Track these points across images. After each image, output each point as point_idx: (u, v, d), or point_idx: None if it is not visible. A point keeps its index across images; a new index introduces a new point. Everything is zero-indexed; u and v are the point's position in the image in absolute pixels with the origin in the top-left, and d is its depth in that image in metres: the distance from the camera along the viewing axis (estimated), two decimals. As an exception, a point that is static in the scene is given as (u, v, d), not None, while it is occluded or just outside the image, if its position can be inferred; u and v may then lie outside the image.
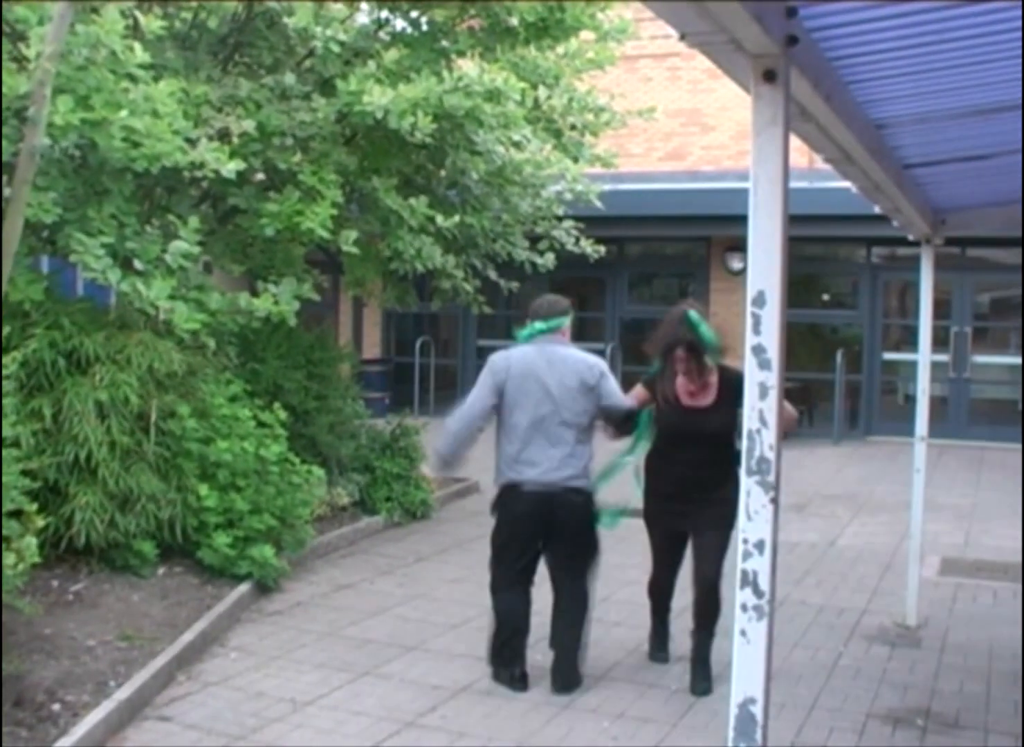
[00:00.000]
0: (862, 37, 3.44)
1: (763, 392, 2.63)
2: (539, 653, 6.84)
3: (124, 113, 7.19)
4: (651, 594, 7.03)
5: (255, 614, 7.71)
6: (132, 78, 7.39)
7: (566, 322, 6.61)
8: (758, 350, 2.62)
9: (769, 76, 2.62)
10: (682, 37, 2.54)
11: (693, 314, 6.19)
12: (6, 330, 6.34)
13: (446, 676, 6.58)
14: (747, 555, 2.67)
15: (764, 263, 2.60)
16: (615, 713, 6.06)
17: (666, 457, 6.46)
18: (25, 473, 6.00)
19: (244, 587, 7.86)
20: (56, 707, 5.61)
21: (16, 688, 5.65)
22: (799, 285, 18.82)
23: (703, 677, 6.42)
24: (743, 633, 2.71)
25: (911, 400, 7.74)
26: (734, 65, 2.74)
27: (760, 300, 2.61)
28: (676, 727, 5.89)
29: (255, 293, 8.36)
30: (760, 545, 2.66)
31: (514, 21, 9.81)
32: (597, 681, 6.55)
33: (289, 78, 9.08)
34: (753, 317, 2.61)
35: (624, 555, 9.59)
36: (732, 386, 5.89)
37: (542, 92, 10.75)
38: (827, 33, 3.24)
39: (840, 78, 3.73)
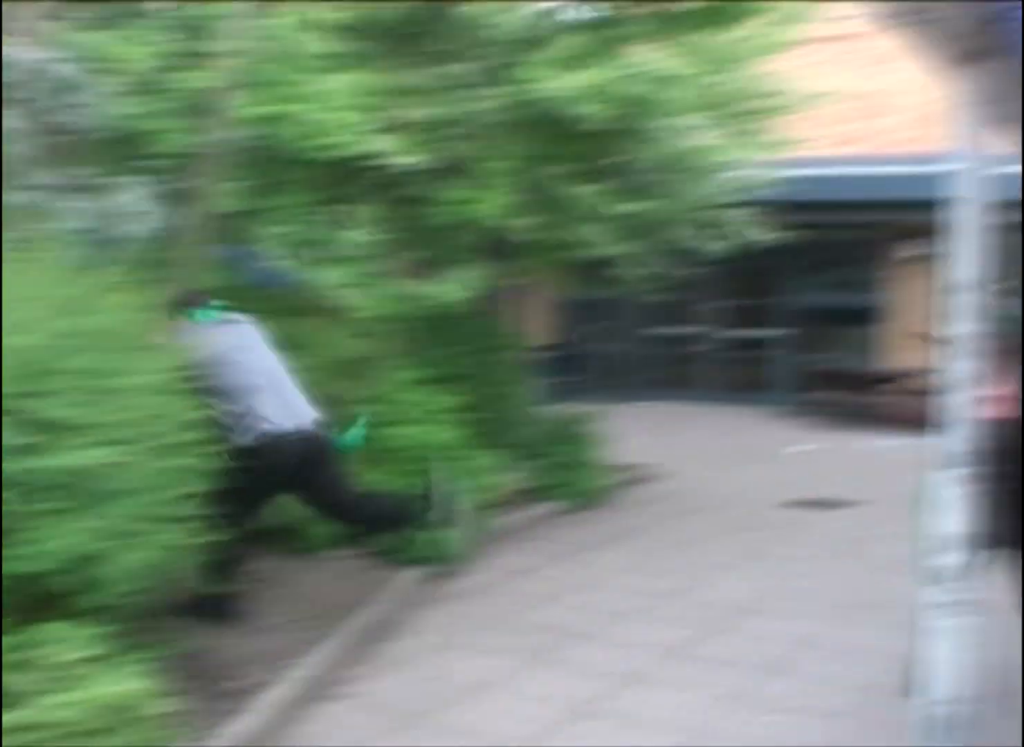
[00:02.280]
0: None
1: (960, 384, 2.55)
2: (710, 643, 6.82)
3: (301, 105, 7.33)
4: None
5: (431, 598, 7.78)
6: (308, 71, 7.52)
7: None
8: (957, 341, 2.54)
9: (969, 57, 2.55)
10: (881, 18, 2.48)
11: None
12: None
13: (619, 664, 6.54)
14: (939, 550, 2.59)
15: (964, 251, 2.51)
16: (793, 707, 5.93)
17: None
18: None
19: (423, 570, 7.95)
20: (240, 684, 5.72)
21: (203, 664, 5.81)
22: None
23: None
24: (933, 631, 2.64)
25: None
26: (932, 46, 2.65)
27: (960, 290, 2.52)
28: (861, 723, 5.76)
29: (431, 280, 8.46)
30: (955, 540, 2.58)
31: (686, 6, 9.71)
32: (771, 675, 6.44)
33: (460, 67, 9.14)
34: (953, 308, 2.53)
35: (794, 546, 9.48)
36: None
37: (716, 77, 10.61)
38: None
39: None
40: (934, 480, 2.60)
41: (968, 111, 2.54)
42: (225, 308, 6.81)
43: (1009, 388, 5.82)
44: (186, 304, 6.71)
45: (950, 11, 2.37)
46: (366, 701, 5.91)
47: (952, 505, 2.56)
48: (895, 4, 2.33)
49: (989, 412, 5.84)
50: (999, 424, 5.88)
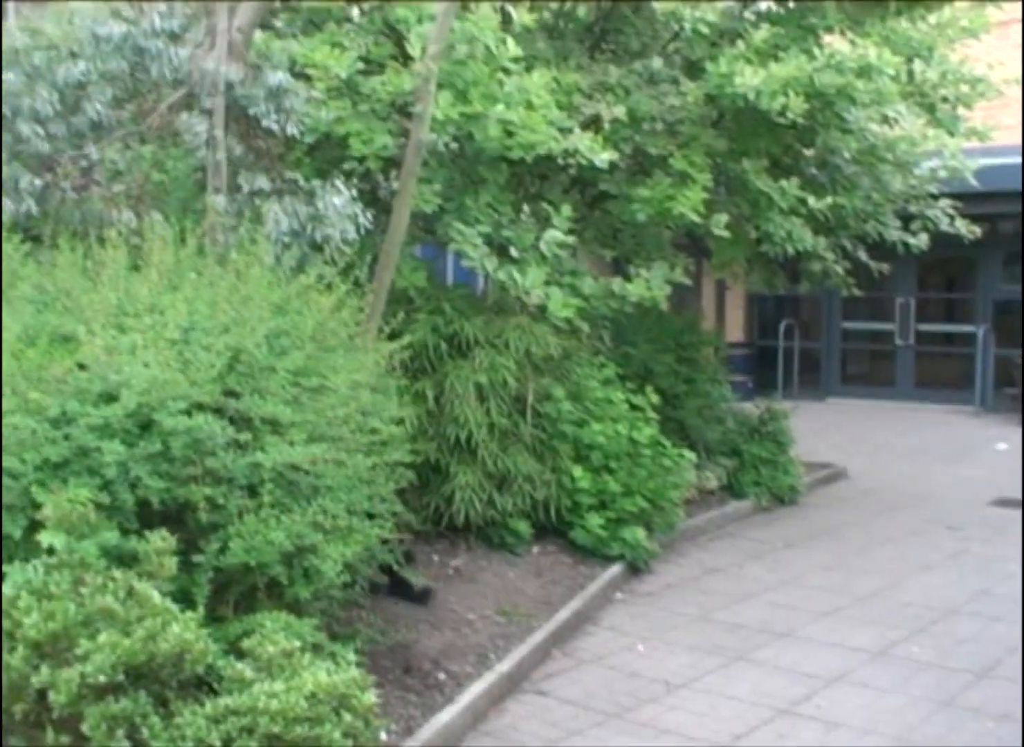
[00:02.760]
0: None
1: None
2: (915, 646, 6.70)
3: (500, 106, 7.41)
4: None
5: (626, 595, 7.81)
6: (506, 71, 7.59)
7: None
8: None
9: None
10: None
11: None
12: (393, 316, 6.65)
13: (819, 664, 6.47)
14: None
15: None
16: (999, 713, 5.80)
17: None
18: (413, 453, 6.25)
19: (616, 568, 7.98)
20: (441, 676, 5.85)
21: (405, 656, 5.94)
22: None
23: None
24: None
25: None
26: None
27: None
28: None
29: (624, 277, 8.46)
30: None
31: (887, -8, 9.52)
32: (978, 678, 6.30)
33: (656, 62, 9.13)
34: None
35: (1002, 547, 9.22)
36: None
37: (916, 65, 10.36)
38: None
39: None
40: None
41: None
42: None
43: None
44: None
45: None
46: (565, 696, 5.96)
47: None
48: None
49: None
50: None
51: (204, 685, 3.99)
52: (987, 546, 9.31)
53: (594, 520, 8.00)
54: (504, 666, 6.04)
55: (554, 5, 9.71)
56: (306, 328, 5.30)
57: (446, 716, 5.31)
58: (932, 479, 12.31)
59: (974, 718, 5.75)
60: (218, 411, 4.64)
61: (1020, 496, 11.11)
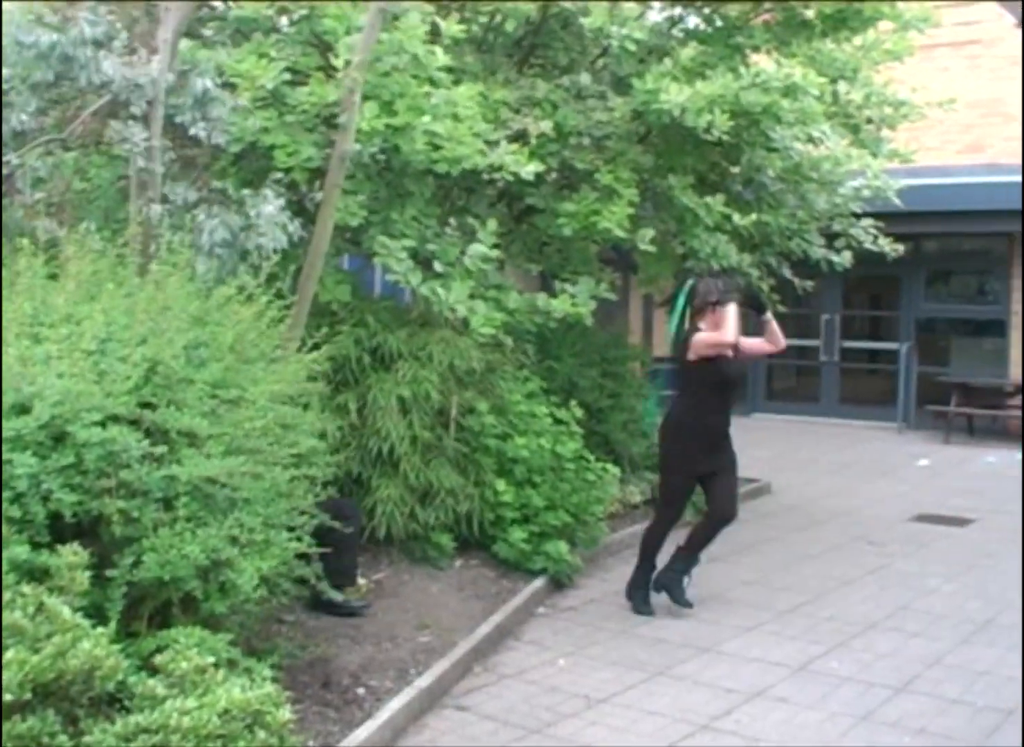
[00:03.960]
0: None
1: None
2: (835, 661, 6.75)
3: (426, 117, 7.39)
4: (655, 541, 7.89)
5: (549, 609, 7.80)
6: (433, 83, 7.58)
7: None
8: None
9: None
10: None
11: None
12: (316, 328, 6.62)
13: (740, 679, 6.49)
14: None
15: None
16: (915, 728, 5.84)
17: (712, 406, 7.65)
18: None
19: (538, 582, 7.97)
20: (361, 691, 5.81)
21: (324, 671, 5.90)
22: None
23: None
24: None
25: None
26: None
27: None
28: None
29: (550, 292, 8.47)
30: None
31: (811, 13, 9.63)
32: (896, 693, 6.35)
33: (584, 78, 9.16)
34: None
35: (922, 563, 9.32)
36: None
37: (841, 86, 10.50)
38: None
39: None
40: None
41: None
42: None
43: None
44: None
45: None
46: (485, 711, 5.94)
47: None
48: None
49: None
50: None
51: (116, 702, 3.92)
52: (908, 562, 9.40)
53: (517, 534, 7.98)
54: (424, 681, 6.00)
55: (483, 19, 9.71)
56: (226, 339, 5.24)
57: (364, 732, 5.27)
58: (855, 495, 12.43)
59: (891, 732, 5.80)
60: (134, 423, 4.58)
61: (940, 512, 11.26)
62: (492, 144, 7.80)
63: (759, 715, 5.98)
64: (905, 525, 10.91)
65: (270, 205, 6.49)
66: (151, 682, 3.92)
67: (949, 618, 7.72)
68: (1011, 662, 6.75)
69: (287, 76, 7.57)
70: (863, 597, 8.28)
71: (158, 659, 4.08)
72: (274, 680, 4.38)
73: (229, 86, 7.15)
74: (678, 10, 10.20)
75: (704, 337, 7.52)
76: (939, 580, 8.70)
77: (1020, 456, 14.65)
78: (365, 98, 7.12)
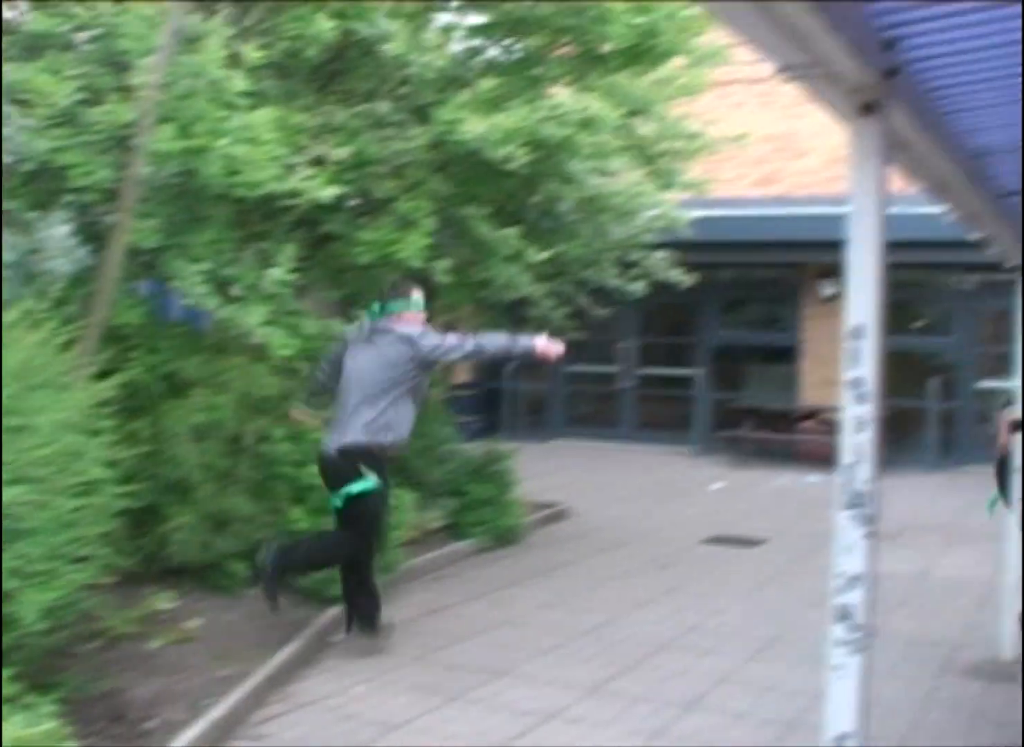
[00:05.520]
0: (961, 67, 3.42)
1: (860, 425, 2.62)
2: (628, 681, 6.87)
3: (224, 141, 7.33)
4: None
5: (346, 636, 7.75)
6: (232, 106, 7.52)
7: (401, 307, 7.39)
8: (856, 383, 2.62)
9: (867, 109, 2.63)
10: (779, 70, 2.55)
11: None
12: (107, 354, 6.48)
13: (536, 701, 6.57)
14: (842, 589, 2.66)
15: (862, 297, 2.60)
16: (705, 743, 5.99)
17: None
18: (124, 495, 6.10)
19: (336, 609, 7.90)
20: (152, 724, 5.68)
21: (115, 704, 5.75)
22: (894, 311, 18.58)
23: None
24: (837, 667, 2.70)
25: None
26: (832, 98, 2.75)
27: (858, 334, 2.61)
28: (767, 759, 5.85)
29: (349, 318, 8.46)
30: (856, 579, 2.65)
31: (607, 47, 9.85)
32: (687, 710, 6.51)
33: (384, 106, 9.19)
34: (851, 350, 2.61)
35: (713, 583, 9.57)
36: None
37: (635, 119, 10.76)
38: (926, 64, 3.23)
39: (938, 108, 3.71)
40: (836, 519, 2.67)
41: (866, 159, 2.62)
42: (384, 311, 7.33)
43: None
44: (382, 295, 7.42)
45: (848, 65, 2.44)
46: (280, 741, 5.87)
47: (854, 544, 2.63)
48: (793, 56, 2.40)
49: None
50: None
51: None
52: (700, 582, 9.64)
53: (314, 562, 7.93)
54: (218, 712, 5.89)
55: (284, 44, 9.65)
56: (9, 366, 5.11)
57: (156, 766, 5.17)
58: (650, 518, 12.70)
59: (683, 751, 5.95)
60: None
61: (732, 534, 11.58)
62: (290, 169, 7.77)
63: (553, 736, 6.05)
64: (698, 547, 11.20)
65: (58, 228, 6.35)
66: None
67: (738, 636, 7.95)
68: (795, 677, 6.98)
69: (82, 95, 7.41)
70: (657, 618, 8.46)
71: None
72: (59, 715, 4.27)
73: (20, 103, 6.97)
74: (478, 41, 10.30)
75: None
76: (729, 600, 8.94)
77: (809, 478, 15.17)
78: (163, 120, 7.02)
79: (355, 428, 7.13)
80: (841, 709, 2.71)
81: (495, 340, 7.28)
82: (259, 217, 9.14)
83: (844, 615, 2.65)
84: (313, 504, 8.09)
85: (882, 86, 2.61)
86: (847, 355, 2.63)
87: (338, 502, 7.15)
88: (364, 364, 7.22)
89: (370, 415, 7.11)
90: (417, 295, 7.46)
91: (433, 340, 7.23)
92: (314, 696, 6.58)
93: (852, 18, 2.34)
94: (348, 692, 6.67)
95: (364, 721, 6.18)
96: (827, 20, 2.17)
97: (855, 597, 2.64)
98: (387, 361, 7.16)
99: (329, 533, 7.52)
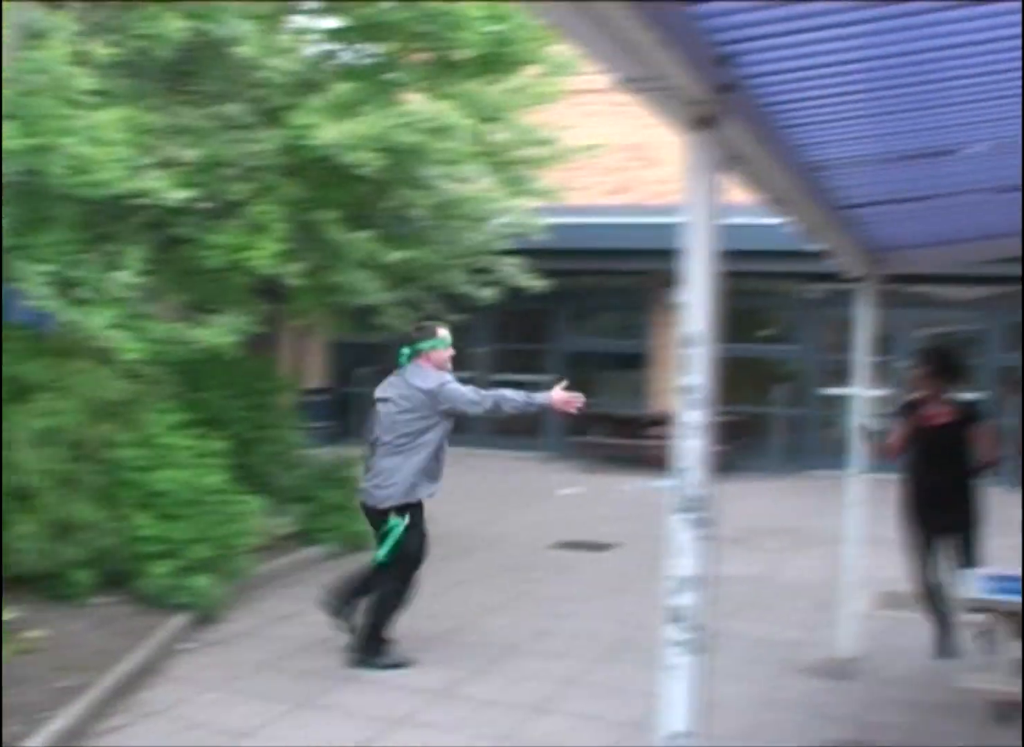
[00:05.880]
0: (797, 83, 3.52)
1: (693, 432, 2.68)
2: (478, 684, 6.90)
3: (70, 139, 7.19)
4: None
5: (194, 644, 7.67)
6: (78, 105, 7.38)
7: (425, 347, 7.50)
8: (690, 390, 2.68)
9: (702, 123, 2.69)
10: (618, 82, 2.60)
11: None
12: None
13: (385, 707, 6.57)
14: (676, 591, 2.72)
15: (695, 306, 2.66)
16: (552, 746, 6.07)
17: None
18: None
19: (183, 617, 7.82)
20: (-6, 738, 5.56)
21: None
22: (740, 319, 18.99)
23: None
24: (672, 668, 2.76)
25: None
26: (668, 111, 2.81)
27: (691, 341, 2.67)
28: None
29: (199, 322, 8.36)
30: (691, 581, 2.71)
31: (461, 54, 9.89)
32: (535, 713, 6.55)
33: (236, 108, 9.09)
34: (684, 358, 2.68)
35: (562, 587, 9.66)
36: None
37: (488, 126, 10.81)
38: (762, 80, 3.32)
39: (776, 123, 3.81)
40: (671, 523, 2.73)
41: (701, 171, 2.69)
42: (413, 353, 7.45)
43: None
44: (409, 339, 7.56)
45: (684, 79, 2.50)
46: (124, 751, 5.78)
47: (687, 547, 2.69)
48: (632, 69, 2.45)
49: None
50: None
51: None
52: (550, 587, 9.72)
53: (161, 568, 7.81)
54: (59, 724, 5.78)
55: (134, 42, 9.49)
56: None
57: (-5, 779, 5.06)
58: (502, 523, 12.75)
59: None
60: None
61: (582, 538, 11.69)
62: (139, 170, 7.65)
63: (401, 741, 6.06)
64: (548, 552, 11.28)
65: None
66: None
67: (586, 639, 8.03)
68: (642, 679, 7.03)
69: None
70: (507, 622, 8.51)
71: None
72: None
73: None
74: (333, 45, 10.27)
75: None
76: (578, 604, 9.03)
77: (657, 483, 15.38)
78: (6, 117, 6.86)
79: (384, 482, 7.25)
80: (675, 709, 2.76)
81: (512, 400, 7.32)
82: (106, 218, 8.98)
83: (678, 617, 2.71)
84: (160, 510, 7.98)
85: (717, 101, 2.68)
86: (681, 362, 2.69)
87: (379, 556, 7.31)
88: (389, 414, 7.32)
89: (394, 464, 7.25)
90: (443, 332, 7.56)
91: (451, 396, 7.29)
92: (160, 706, 6.48)
93: (687, 34, 2.40)
94: (195, 701, 6.59)
95: (212, 730, 6.12)
96: (662, 35, 2.22)
97: (688, 599, 2.70)
98: (409, 411, 7.28)
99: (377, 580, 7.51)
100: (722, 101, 2.70)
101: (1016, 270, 14.69)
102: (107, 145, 7.36)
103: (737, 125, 3.00)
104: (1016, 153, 4.77)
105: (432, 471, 7.38)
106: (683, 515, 2.69)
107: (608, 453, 18.09)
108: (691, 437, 2.69)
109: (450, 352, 7.56)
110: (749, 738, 6.27)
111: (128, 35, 9.26)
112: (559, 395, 7.24)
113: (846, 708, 6.84)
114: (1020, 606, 5.97)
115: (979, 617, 6.55)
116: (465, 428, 19.80)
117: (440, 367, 7.42)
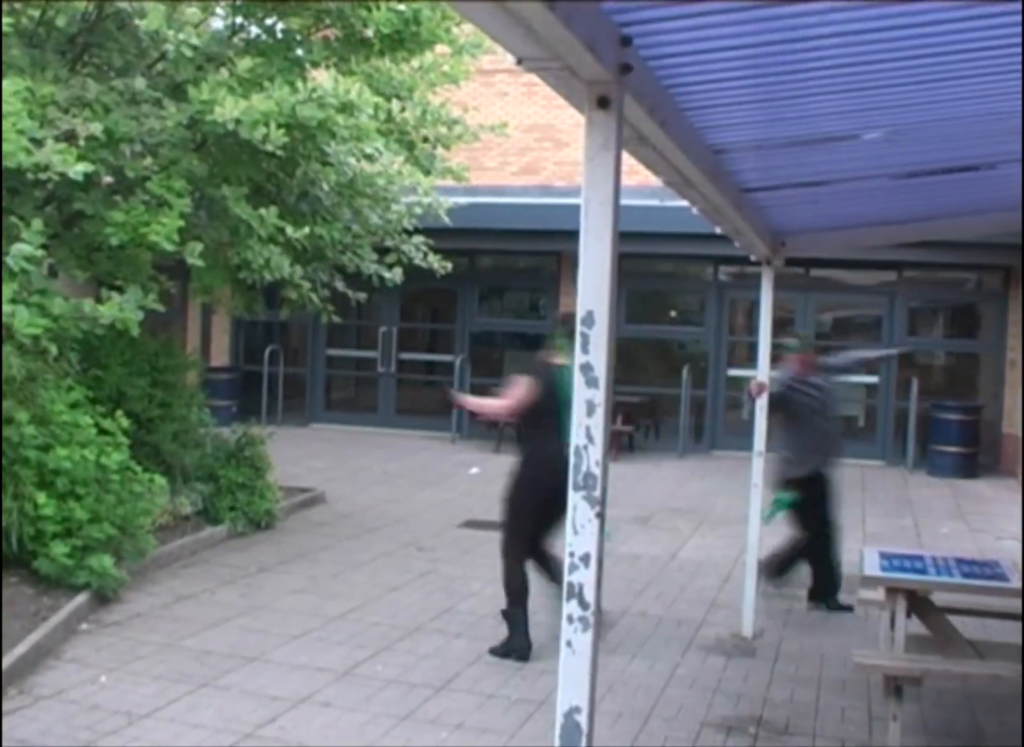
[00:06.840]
0: (699, 66, 3.55)
1: (590, 409, 2.71)
2: (379, 664, 6.92)
3: (-35, 110, 7.05)
4: None
5: (92, 625, 7.59)
6: (-26, 75, 7.24)
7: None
8: (586, 368, 2.70)
9: (602, 102, 2.70)
10: (519, 62, 2.61)
11: None
12: None
13: (286, 687, 6.56)
14: (573, 568, 2.74)
15: (593, 285, 2.68)
16: (454, 724, 6.11)
17: None
18: None
19: (82, 597, 7.73)
20: None
21: None
22: (648, 301, 19.15)
23: None
24: (569, 643, 2.78)
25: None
26: (569, 90, 2.82)
27: (589, 320, 2.69)
28: (515, 737, 5.97)
29: (100, 299, 8.23)
30: (586, 558, 2.73)
31: (369, 32, 9.82)
32: (437, 692, 6.59)
33: (139, 82, 8.94)
34: (582, 336, 2.69)
35: (467, 567, 9.69)
36: None
37: (395, 104, 10.76)
38: (663, 62, 3.34)
39: (677, 105, 3.84)
40: (568, 500, 2.76)
41: (599, 151, 2.70)
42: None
43: None
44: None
45: (583, 59, 2.51)
46: (19, 736, 5.71)
47: (584, 524, 2.72)
48: (531, 49, 2.46)
49: None
50: None
51: None
52: (454, 566, 9.74)
53: (59, 548, 7.71)
54: (-46, 706, 5.72)
55: (33, 12, 9.33)
56: None
57: None
58: (408, 503, 12.75)
59: (431, 730, 6.04)
60: None
61: (486, 518, 11.72)
62: (38, 143, 7.51)
63: (303, 720, 6.07)
64: (453, 531, 11.31)
65: None
66: None
67: (490, 619, 8.06)
68: (545, 657, 7.12)
69: None
70: (410, 602, 8.53)
71: None
72: None
73: None
74: (239, 19, 10.15)
75: None
76: (482, 583, 9.06)
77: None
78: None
79: None
80: (572, 684, 2.79)
81: None
82: (6, 191, 8.81)
83: (574, 593, 2.74)
84: (60, 489, 7.87)
85: (616, 81, 2.69)
86: (578, 341, 2.71)
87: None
88: None
89: None
90: None
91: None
92: (57, 688, 6.42)
93: (586, 14, 2.40)
94: (93, 682, 6.54)
95: (109, 711, 6.07)
96: (560, 15, 2.23)
97: (584, 576, 2.72)
98: None
99: None
100: (621, 82, 2.71)
101: (913, 256, 15.04)
102: (6, 117, 7.21)
103: (638, 106, 3.02)
104: (914, 140, 4.87)
105: None
106: (580, 492, 2.71)
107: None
108: (588, 415, 2.71)
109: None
110: (653, 713, 6.35)
111: (26, 4, 9.10)
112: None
113: (745, 685, 6.95)
114: (916, 584, 6.13)
115: (874, 594, 6.68)
116: (373, 407, 19.88)
117: None
